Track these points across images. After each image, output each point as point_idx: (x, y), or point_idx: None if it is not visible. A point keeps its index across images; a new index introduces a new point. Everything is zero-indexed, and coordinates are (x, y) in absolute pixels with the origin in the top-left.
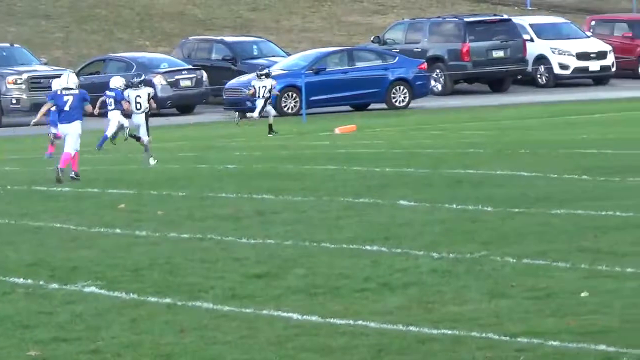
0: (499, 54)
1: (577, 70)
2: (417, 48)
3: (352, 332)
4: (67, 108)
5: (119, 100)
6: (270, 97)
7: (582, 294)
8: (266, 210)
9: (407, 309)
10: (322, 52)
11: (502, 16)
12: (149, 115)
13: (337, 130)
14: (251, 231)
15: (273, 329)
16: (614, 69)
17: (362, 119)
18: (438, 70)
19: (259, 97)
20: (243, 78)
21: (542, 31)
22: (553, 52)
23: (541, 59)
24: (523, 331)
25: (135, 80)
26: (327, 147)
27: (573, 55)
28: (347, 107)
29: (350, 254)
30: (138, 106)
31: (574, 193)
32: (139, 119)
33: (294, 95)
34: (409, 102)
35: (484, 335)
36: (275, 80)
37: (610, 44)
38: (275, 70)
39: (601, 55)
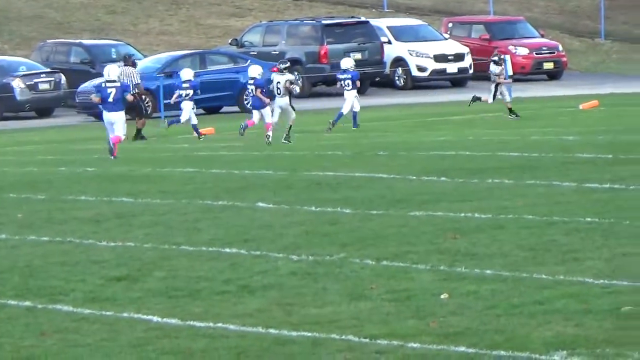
0: (357, 56)
1: (434, 72)
2: (274, 51)
3: (212, 334)
4: (110, 99)
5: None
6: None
7: (442, 296)
8: (126, 213)
9: (267, 312)
10: (174, 56)
11: (359, 18)
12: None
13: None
14: (111, 234)
15: (133, 331)
16: (471, 71)
17: (217, 122)
18: (296, 73)
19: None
20: (96, 81)
21: (399, 33)
22: (411, 54)
23: (399, 61)
24: (383, 333)
25: (280, 66)
26: (186, 150)
27: (431, 58)
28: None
29: (209, 256)
30: (279, 91)
31: (433, 195)
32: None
33: (146, 98)
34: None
35: (343, 337)
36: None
37: (467, 46)
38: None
39: (459, 57)
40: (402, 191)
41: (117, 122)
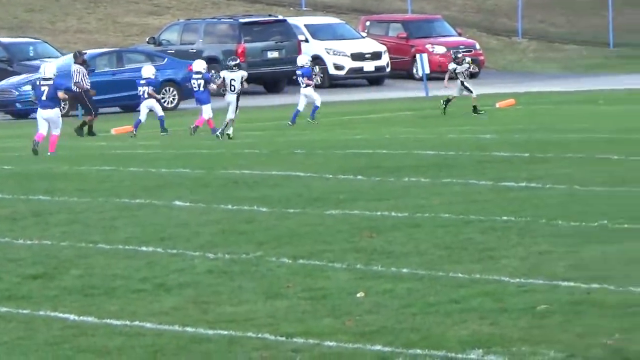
0: (274, 54)
1: (352, 70)
2: (192, 49)
3: (128, 332)
4: (44, 97)
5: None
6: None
7: (358, 295)
8: (42, 211)
9: (183, 310)
10: (91, 54)
11: (277, 17)
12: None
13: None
14: (27, 232)
15: (50, 329)
16: (388, 70)
17: (133, 121)
18: (213, 71)
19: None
20: (14, 79)
21: (317, 32)
22: (328, 53)
23: (316, 60)
24: (299, 331)
25: (230, 63)
26: (103, 148)
27: (348, 56)
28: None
29: (126, 254)
30: (232, 88)
31: (350, 193)
32: (231, 98)
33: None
34: (178, 103)
35: (259, 335)
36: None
37: (384, 45)
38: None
39: (376, 55)
40: (319, 190)
41: (52, 120)
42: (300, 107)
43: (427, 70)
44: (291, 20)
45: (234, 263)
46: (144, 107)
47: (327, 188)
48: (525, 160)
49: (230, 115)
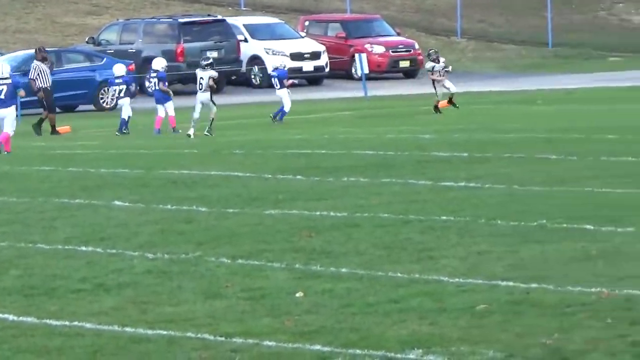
0: (214, 54)
1: (291, 70)
2: (131, 49)
3: (67, 333)
4: (2, 96)
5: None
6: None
7: (297, 294)
8: None
9: (123, 310)
10: (29, 54)
11: (216, 17)
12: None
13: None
14: None
15: None
16: (327, 69)
17: (73, 121)
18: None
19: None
20: None
21: (256, 32)
22: (267, 53)
23: (255, 60)
24: (238, 331)
25: (203, 62)
26: (43, 148)
27: (287, 56)
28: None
29: (65, 254)
30: (200, 86)
31: (289, 193)
32: (201, 97)
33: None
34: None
35: (199, 335)
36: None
37: (324, 44)
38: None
39: (315, 55)
40: (258, 190)
41: (7, 118)
42: (286, 109)
43: (366, 70)
44: (230, 20)
45: (173, 263)
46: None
47: (266, 188)
48: (464, 160)
49: (196, 114)
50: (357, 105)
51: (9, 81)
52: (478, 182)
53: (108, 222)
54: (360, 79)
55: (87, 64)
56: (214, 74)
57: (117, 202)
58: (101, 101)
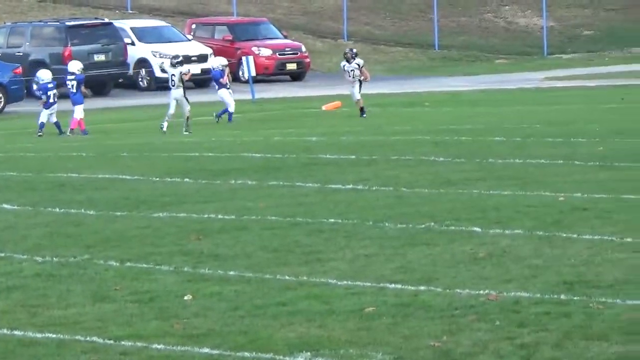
0: (101, 57)
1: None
2: (18, 52)
3: None
4: None
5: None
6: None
7: (186, 297)
8: None
9: (11, 313)
10: None
11: (103, 20)
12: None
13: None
14: None
15: None
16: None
17: None
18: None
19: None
20: None
21: (143, 35)
22: (154, 56)
23: (142, 63)
24: (127, 334)
25: (173, 60)
26: None
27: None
28: None
29: None
30: (172, 83)
31: (177, 196)
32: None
33: None
34: (4, 107)
35: (88, 339)
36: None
37: (211, 47)
38: None
39: (202, 58)
40: (146, 192)
41: None
42: (231, 109)
43: (253, 73)
44: (117, 23)
45: (62, 266)
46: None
47: (153, 191)
48: (351, 162)
49: (171, 110)
50: (244, 108)
51: None
52: (365, 185)
53: None
54: (247, 81)
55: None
56: (185, 69)
57: (5, 205)
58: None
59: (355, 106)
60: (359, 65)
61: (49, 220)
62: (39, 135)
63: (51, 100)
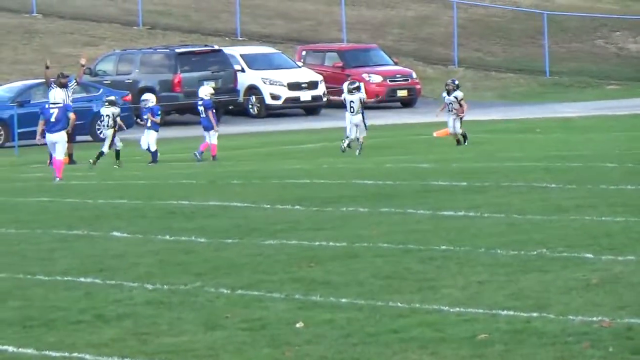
0: (211, 84)
1: (288, 100)
2: (128, 79)
3: None
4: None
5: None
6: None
7: (297, 325)
8: None
9: (122, 341)
10: (26, 85)
11: (212, 47)
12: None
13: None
14: None
15: None
16: (325, 99)
17: (74, 151)
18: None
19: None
20: None
21: (253, 61)
22: (264, 83)
23: (252, 89)
24: None
25: (350, 86)
26: (40, 179)
27: (284, 86)
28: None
29: (64, 286)
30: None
31: (288, 223)
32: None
33: (0, 128)
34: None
35: None
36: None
37: (321, 74)
38: None
39: (312, 85)
40: (257, 220)
41: (58, 143)
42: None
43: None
44: (227, 50)
45: (173, 294)
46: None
47: (264, 218)
48: (463, 189)
49: (351, 135)
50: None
51: (60, 105)
52: (477, 211)
53: (107, 253)
54: None
55: (83, 94)
56: (363, 95)
57: (115, 233)
58: (98, 132)
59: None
60: (457, 98)
61: (159, 248)
62: (151, 164)
63: (149, 125)
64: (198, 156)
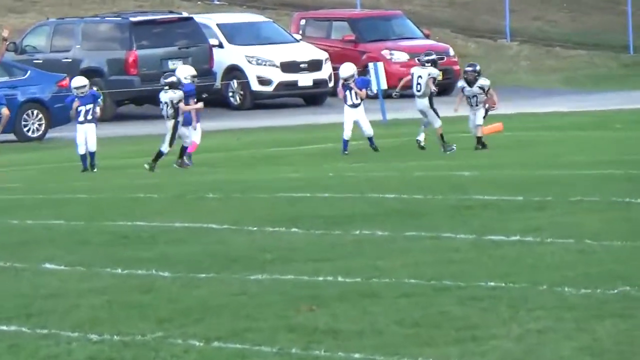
0: (178, 64)
1: (282, 86)
2: (66, 58)
3: None
4: None
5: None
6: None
7: None
8: None
9: None
10: None
11: (180, 14)
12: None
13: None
14: None
15: None
16: (331, 84)
17: None
18: (95, 88)
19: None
20: None
21: (234, 34)
22: (250, 62)
23: (234, 71)
24: None
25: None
26: None
27: (276, 66)
28: None
29: None
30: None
31: (281, 251)
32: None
33: None
34: (45, 132)
35: None
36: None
37: (326, 51)
38: None
39: (314, 65)
40: (239, 247)
41: None
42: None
43: (384, 86)
44: (200, 18)
45: (126, 347)
46: None
47: (249, 245)
48: (517, 205)
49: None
50: (373, 133)
51: None
52: (537, 236)
53: (37, 292)
54: (376, 97)
55: (6, 78)
56: (436, 72)
57: (48, 265)
58: (25, 129)
59: (474, 134)
60: (483, 88)
61: (107, 285)
62: (92, 167)
63: (81, 118)
64: (188, 162)
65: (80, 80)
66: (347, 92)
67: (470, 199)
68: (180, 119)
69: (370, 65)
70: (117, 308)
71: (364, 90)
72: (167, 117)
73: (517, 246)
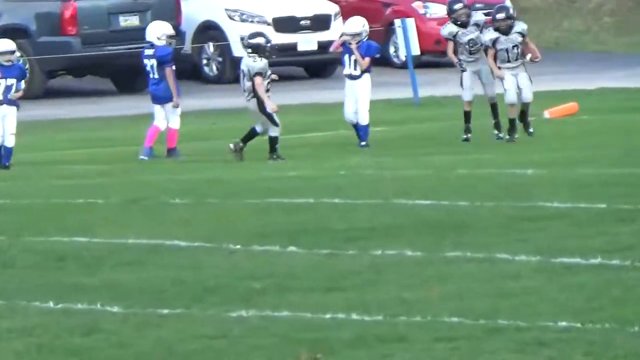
0: (131, 21)
1: (275, 50)
2: None
3: None
4: None
5: None
6: None
7: None
8: None
9: None
10: None
11: None
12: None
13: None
14: None
15: None
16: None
17: None
18: (19, 53)
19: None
20: None
21: None
22: (231, 18)
23: (210, 30)
24: None
25: None
26: None
27: (268, 24)
28: None
29: None
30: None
31: (274, 278)
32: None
33: None
34: None
35: None
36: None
37: (337, 3)
38: None
39: (319, 22)
40: (217, 273)
41: None
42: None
43: (416, 51)
44: None
45: None
46: None
47: (231, 269)
48: (597, 215)
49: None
50: (399, 116)
51: None
52: (625, 257)
53: None
54: (404, 66)
55: None
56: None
57: None
58: None
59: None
60: (522, 34)
61: (34, 324)
62: (5, 167)
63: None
64: (146, 155)
65: (5, 44)
66: (347, 57)
67: (534, 207)
68: (264, 96)
69: (397, 22)
70: (47, 355)
71: (367, 59)
72: (246, 94)
73: (597, 271)
